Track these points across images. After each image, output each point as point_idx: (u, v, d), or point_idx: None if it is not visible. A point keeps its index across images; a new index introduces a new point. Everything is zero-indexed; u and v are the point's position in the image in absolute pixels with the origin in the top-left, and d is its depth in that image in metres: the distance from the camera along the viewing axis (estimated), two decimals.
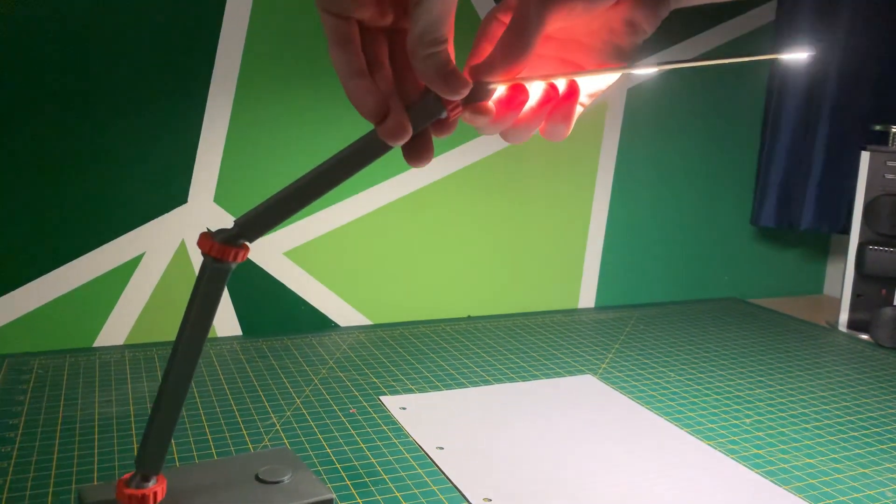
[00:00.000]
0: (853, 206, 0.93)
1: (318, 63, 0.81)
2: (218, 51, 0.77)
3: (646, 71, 0.47)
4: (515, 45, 0.40)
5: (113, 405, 0.63)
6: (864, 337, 0.91)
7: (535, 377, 0.72)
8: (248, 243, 0.42)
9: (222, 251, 0.41)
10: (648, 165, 1.00)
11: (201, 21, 0.76)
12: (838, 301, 1.09)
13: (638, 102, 0.97)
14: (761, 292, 1.10)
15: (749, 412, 0.66)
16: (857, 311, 0.93)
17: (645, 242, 1.02)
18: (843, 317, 0.94)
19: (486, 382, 0.70)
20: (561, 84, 0.43)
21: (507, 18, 0.44)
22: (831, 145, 0.98)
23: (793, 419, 0.65)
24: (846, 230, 0.99)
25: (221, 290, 0.42)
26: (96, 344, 0.78)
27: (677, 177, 1.02)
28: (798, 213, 1.02)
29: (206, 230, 0.41)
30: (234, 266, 0.42)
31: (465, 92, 0.40)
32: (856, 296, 0.93)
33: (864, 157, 0.91)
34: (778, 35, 1.02)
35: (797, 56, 0.41)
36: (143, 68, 0.75)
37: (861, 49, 0.95)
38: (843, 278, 0.95)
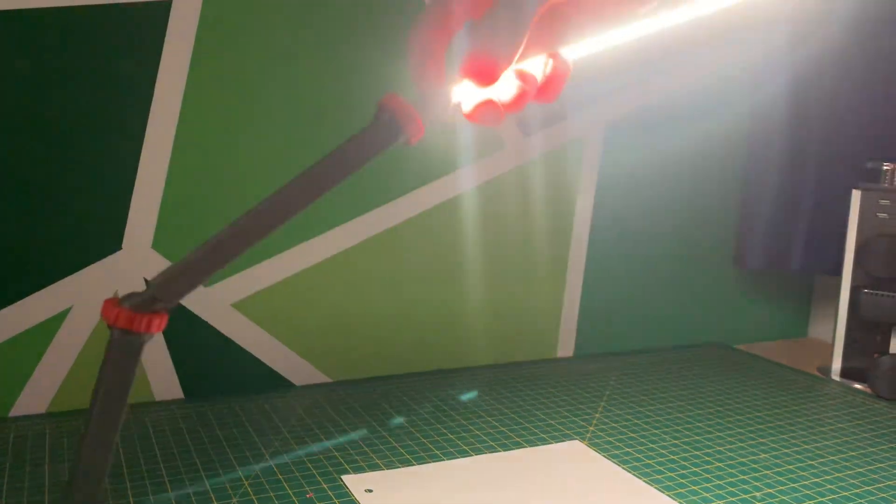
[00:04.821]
0: (843, 246, 0.88)
1: (279, 82, 0.73)
2: (160, 68, 0.69)
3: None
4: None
5: (24, 494, 0.53)
6: (859, 387, 0.85)
7: (517, 444, 0.64)
8: (166, 308, 0.34)
9: (131, 320, 0.33)
10: (628, 204, 0.94)
11: (140, 38, 0.68)
12: (826, 345, 1.04)
13: (616, 137, 0.91)
14: (746, 337, 1.04)
15: (758, 483, 0.58)
16: (851, 358, 0.88)
17: (625, 285, 0.95)
18: (837, 364, 0.89)
19: (463, 453, 0.62)
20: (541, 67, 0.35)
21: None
22: (821, 182, 0.93)
23: (806, 490, 0.58)
24: (837, 272, 0.94)
25: (134, 368, 0.34)
26: (13, 413, 0.67)
27: (658, 215, 0.96)
28: (787, 254, 0.96)
29: (112, 297, 0.33)
30: (147, 339, 0.34)
31: None
32: (850, 342, 0.88)
33: (856, 195, 0.86)
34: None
35: None
36: (70, 92, 0.66)
37: (852, 80, 0.91)
38: (834, 323, 0.89)
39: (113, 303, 0.32)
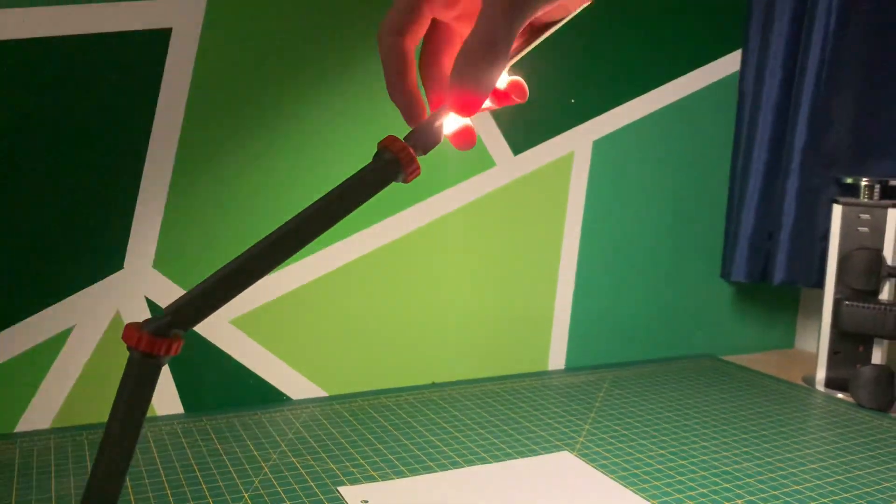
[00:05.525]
0: (826, 259, 0.91)
1: (275, 106, 0.75)
2: (160, 92, 0.71)
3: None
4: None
5: None
6: (841, 396, 0.88)
7: (508, 456, 0.66)
8: (181, 334, 0.36)
9: (152, 344, 0.35)
10: (616, 220, 0.96)
11: (141, 63, 0.70)
12: (811, 356, 1.07)
13: (604, 155, 0.94)
14: (734, 348, 1.07)
15: (741, 491, 0.61)
16: (835, 368, 0.90)
17: (615, 299, 0.98)
18: (821, 374, 0.91)
19: (456, 465, 0.64)
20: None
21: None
22: (802, 196, 0.96)
23: (787, 497, 0.60)
24: (819, 284, 0.96)
25: (152, 389, 0.36)
26: (18, 429, 0.69)
27: (646, 230, 0.99)
28: (771, 267, 0.99)
29: (133, 322, 0.35)
30: (164, 362, 0.36)
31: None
32: (833, 353, 0.90)
33: (837, 210, 0.89)
34: (743, 86, 1.01)
35: None
36: (72, 116, 0.68)
37: (832, 100, 0.94)
38: (818, 335, 0.91)
39: (135, 327, 0.34)
